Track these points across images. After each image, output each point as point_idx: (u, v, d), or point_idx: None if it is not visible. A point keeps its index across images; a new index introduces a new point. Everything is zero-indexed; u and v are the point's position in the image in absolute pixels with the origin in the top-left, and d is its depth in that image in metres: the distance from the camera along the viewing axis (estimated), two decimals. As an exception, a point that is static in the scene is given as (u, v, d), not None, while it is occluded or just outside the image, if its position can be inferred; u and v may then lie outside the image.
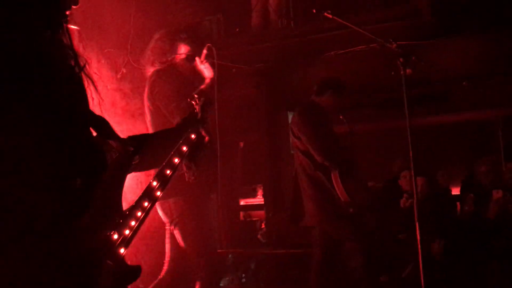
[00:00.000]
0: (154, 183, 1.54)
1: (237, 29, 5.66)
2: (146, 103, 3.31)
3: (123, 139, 1.47)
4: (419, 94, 5.63)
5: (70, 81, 1.25)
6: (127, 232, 1.39)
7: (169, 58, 3.28)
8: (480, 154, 5.54)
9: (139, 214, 1.45)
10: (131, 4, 4.47)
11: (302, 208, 3.79)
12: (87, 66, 1.29)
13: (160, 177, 1.56)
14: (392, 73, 2.72)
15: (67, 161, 1.19)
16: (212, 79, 3.27)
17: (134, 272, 1.38)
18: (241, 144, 7.59)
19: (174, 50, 3.30)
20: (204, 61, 3.28)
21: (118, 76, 4.70)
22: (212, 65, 3.35)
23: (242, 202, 7.61)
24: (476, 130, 6.80)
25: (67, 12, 1.24)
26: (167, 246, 3.37)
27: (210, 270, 3.19)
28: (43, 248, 1.11)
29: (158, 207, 3.21)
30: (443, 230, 4.63)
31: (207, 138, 1.82)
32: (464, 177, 5.24)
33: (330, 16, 2.80)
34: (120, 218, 1.39)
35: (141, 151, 1.52)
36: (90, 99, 1.33)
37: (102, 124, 1.41)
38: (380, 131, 6.93)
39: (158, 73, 3.28)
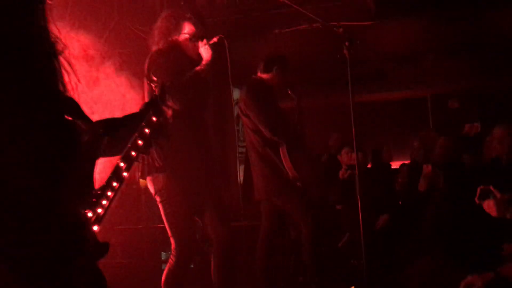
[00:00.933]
0: (121, 164, 1.61)
1: (182, 3, 5.61)
2: (144, 80, 3.20)
3: (92, 121, 1.50)
4: (356, 73, 5.86)
5: (47, 65, 1.26)
6: (99, 210, 1.46)
7: (174, 38, 3.17)
8: (413, 130, 5.91)
9: (109, 193, 1.52)
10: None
11: (252, 183, 3.92)
12: (64, 50, 1.30)
13: (127, 158, 1.63)
14: (338, 56, 2.86)
15: (47, 142, 1.21)
16: (208, 62, 3.20)
17: (105, 248, 1.44)
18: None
19: (178, 30, 3.18)
20: (205, 43, 3.20)
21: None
22: (217, 53, 3.32)
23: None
24: (408, 108, 7.20)
25: None
26: None
27: (180, 253, 3.09)
28: (22, 222, 1.13)
29: (147, 179, 3.13)
30: (381, 202, 4.94)
31: (169, 115, 1.88)
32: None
33: (279, -3, 2.89)
34: (93, 197, 1.44)
35: (110, 134, 1.57)
36: (67, 82, 1.34)
37: (72, 105, 1.43)
38: (321, 108, 7.16)
39: (158, 52, 3.16)
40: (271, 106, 3.86)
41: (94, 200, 1.45)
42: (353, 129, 2.96)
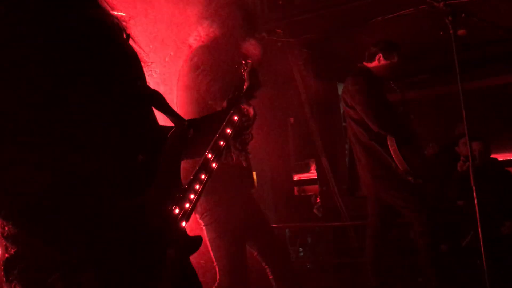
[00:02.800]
0: (209, 155, 1.56)
1: (280, 2, 5.59)
2: (184, 80, 2.85)
3: (177, 113, 1.46)
4: (474, 56, 5.38)
5: (126, 54, 1.22)
6: (187, 205, 1.41)
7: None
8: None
9: (197, 187, 1.47)
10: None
11: (358, 178, 3.74)
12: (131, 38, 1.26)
13: (215, 149, 1.58)
14: (441, 33, 2.60)
15: (130, 137, 1.18)
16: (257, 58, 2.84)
17: (196, 242, 1.39)
18: (292, 119, 7.56)
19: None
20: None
21: (166, 59, 4.76)
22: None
23: (295, 178, 7.63)
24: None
25: None
26: None
27: (220, 282, 2.75)
28: (109, 229, 1.12)
29: None
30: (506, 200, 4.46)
31: (251, 114, 1.79)
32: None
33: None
34: (179, 192, 1.41)
35: (195, 128, 1.52)
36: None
37: (158, 98, 1.39)
38: (433, 97, 6.71)
39: (206, 48, 2.81)
40: (378, 97, 3.65)
41: (181, 195, 1.41)
42: (464, 116, 2.66)
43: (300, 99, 6.42)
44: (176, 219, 1.36)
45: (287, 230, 6.61)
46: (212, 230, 2.75)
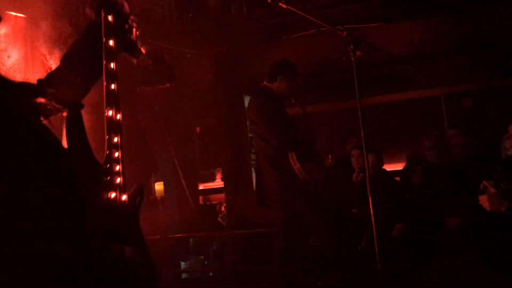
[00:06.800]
0: (110, 113, 1.43)
1: (190, 14, 5.71)
2: None
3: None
4: (367, 75, 5.87)
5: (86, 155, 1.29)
6: (118, 180, 1.37)
7: None
8: (425, 131, 5.88)
9: (116, 154, 1.38)
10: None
11: (265, 190, 3.92)
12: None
13: (109, 96, 1.43)
14: (344, 59, 2.88)
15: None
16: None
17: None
18: (198, 129, 7.67)
19: None
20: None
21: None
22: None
23: (201, 187, 7.71)
24: (421, 108, 7.15)
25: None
26: None
27: None
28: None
29: None
30: (397, 206, 4.90)
31: (127, 8, 1.50)
32: (409, 153, 5.53)
33: (285, 6, 2.92)
34: (105, 176, 1.36)
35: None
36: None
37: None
38: (332, 112, 7.17)
39: None
40: (278, 114, 3.84)
41: (108, 178, 1.36)
42: (362, 131, 2.96)
43: (207, 110, 6.56)
44: (117, 204, 1.34)
45: (191, 239, 6.67)
46: None
